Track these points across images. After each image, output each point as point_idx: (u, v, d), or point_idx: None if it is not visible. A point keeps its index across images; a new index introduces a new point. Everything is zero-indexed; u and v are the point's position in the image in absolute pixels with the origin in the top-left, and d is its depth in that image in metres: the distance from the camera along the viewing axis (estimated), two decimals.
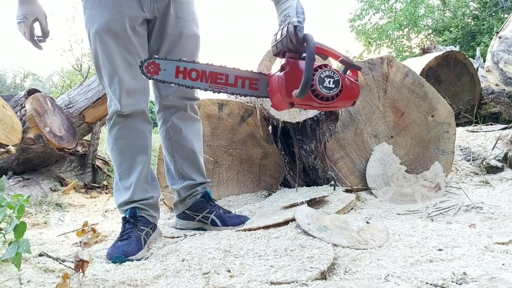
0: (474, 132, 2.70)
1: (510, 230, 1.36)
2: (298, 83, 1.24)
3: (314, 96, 1.28)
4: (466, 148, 2.54)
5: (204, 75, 1.36)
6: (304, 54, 1.26)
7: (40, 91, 2.89)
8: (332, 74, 1.28)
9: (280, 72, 1.32)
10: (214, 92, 1.42)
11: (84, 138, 3.41)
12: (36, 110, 2.68)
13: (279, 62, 1.36)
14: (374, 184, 2.03)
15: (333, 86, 1.28)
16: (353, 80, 1.34)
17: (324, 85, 1.27)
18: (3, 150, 2.31)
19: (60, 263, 1.27)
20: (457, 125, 2.39)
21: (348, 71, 1.34)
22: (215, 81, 1.37)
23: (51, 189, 2.69)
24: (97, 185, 3.03)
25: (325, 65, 1.30)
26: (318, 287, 1.03)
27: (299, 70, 1.28)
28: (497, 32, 2.67)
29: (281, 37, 1.28)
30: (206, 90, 1.42)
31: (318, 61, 1.34)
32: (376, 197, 1.99)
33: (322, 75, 1.27)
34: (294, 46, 1.26)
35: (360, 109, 2.10)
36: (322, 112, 2.06)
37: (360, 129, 2.10)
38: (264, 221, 1.57)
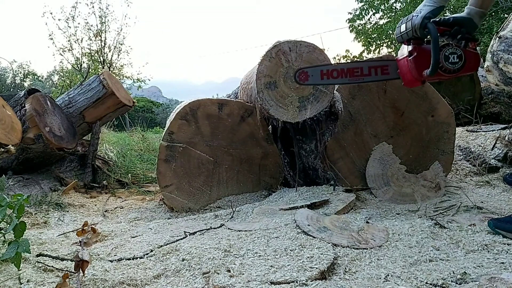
0: (474, 132, 2.70)
1: None
2: (426, 64, 1.50)
3: (442, 72, 1.51)
4: (466, 148, 2.54)
5: (343, 72, 1.69)
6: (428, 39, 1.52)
7: (40, 91, 2.89)
8: (455, 50, 1.50)
9: (409, 57, 1.56)
10: (353, 84, 1.82)
11: (84, 138, 3.41)
12: (36, 110, 2.68)
13: (405, 48, 1.59)
14: (374, 184, 2.03)
15: (457, 60, 1.50)
16: (472, 50, 1.53)
17: (450, 61, 1.50)
18: (3, 150, 2.31)
19: (58, 265, 1.27)
20: (457, 125, 2.39)
21: (468, 44, 1.53)
22: (353, 74, 1.69)
23: (51, 189, 2.68)
24: (97, 185, 3.03)
25: (448, 44, 1.51)
26: (318, 287, 1.03)
27: (426, 53, 1.51)
28: (497, 32, 2.67)
29: (405, 30, 1.54)
30: (347, 84, 1.81)
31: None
32: (376, 197, 1.99)
33: (446, 53, 1.50)
34: (419, 35, 1.50)
35: (360, 109, 2.09)
36: (322, 112, 2.06)
37: (360, 129, 2.09)
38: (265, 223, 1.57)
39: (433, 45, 1.45)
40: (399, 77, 1.66)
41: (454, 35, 1.51)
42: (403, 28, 1.55)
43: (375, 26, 15.15)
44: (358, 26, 15.18)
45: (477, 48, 5.08)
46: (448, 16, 1.55)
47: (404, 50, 1.60)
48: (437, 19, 1.52)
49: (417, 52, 1.53)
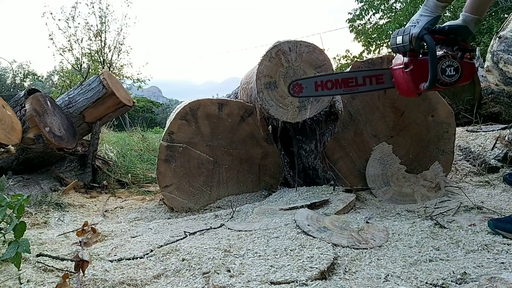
0: (474, 132, 2.70)
1: None
2: (423, 77, 1.46)
3: (439, 84, 1.47)
4: (466, 148, 2.54)
5: (338, 83, 1.62)
6: (424, 51, 1.50)
7: (40, 91, 2.89)
8: (451, 63, 1.47)
9: (406, 69, 1.52)
10: (348, 94, 1.76)
11: (84, 138, 3.41)
12: (36, 110, 2.68)
13: (400, 58, 1.55)
14: (374, 184, 2.03)
15: (454, 73, 1.47)
16: (468, 61, 1.51)
17: (447, 74, 1.46)
18: (3, 150, 2.31)
19: (58, 265, 1.27)
20: (457, 125, 2.38)
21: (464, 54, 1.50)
22: (347, 85, 1.62)
23: (51, 189, 2.68)
24: (97, 185, 3.03)
25: (444, 56, 1.47)
26: (318, 287, 1.03)
27: (422, 66, 1.47)
28: (497, 32, 2.66)
29: (402, 42, 1.49)
30: (341, 94, 1.76)
31: None
32: (376, 197, 1.99)
33: (443, 66, 1.46)
34: (414, 46, 1.46)
35: (360, 109, 2.09)
36: (322, 112, 2.06)
37: (360, 129, 2.09)
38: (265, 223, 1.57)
39: (431, 59, 1.42)
40: (394, 86, 1.62)
41: (449, 44, 1.49)
42: (399, 40, 1.51)
43: (375, 26, 15.15)
44: (358, 26, 15.19)
45: (477, 48, 5.08)
46: (443, 25, 1.51)
47: (399, 60, 1.57)
48: (432, 28, 1.49)
49: (414, 65, 1.50)
